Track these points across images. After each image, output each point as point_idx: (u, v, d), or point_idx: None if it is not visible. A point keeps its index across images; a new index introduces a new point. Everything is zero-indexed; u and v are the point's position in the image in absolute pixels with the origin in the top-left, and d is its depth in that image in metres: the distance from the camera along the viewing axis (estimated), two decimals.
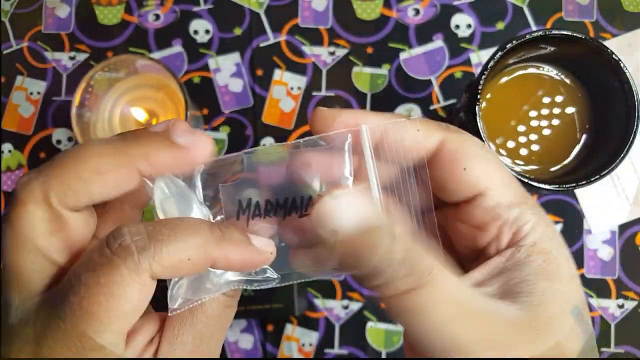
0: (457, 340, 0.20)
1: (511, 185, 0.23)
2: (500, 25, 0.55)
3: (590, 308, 0.52)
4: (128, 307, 0.19)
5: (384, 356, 0.52)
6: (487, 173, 0.22)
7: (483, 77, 0.40)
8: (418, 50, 0.55)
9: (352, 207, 0.21)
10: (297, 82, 0.55)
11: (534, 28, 0.55)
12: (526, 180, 0.39)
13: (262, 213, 0.23)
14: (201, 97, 0.55)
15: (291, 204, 0.23)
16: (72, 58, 0.56)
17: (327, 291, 0.53)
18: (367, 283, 0.21)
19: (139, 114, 0.51)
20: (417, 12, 0.56)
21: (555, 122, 0.44)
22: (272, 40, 0.56)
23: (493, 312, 0.21)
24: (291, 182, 0.23)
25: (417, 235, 0.22)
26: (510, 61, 0.44)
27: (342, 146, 0.23)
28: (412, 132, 0.23)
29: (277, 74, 0.55)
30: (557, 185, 0.39)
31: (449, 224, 0.25)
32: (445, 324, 0.20)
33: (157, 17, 0.56)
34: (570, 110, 0.44)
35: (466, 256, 0.24)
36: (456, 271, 0.22)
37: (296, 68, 0.55)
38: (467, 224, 0.23)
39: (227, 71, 0.56)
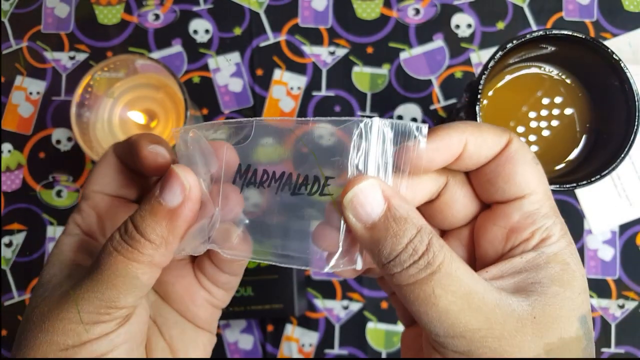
0: (462, 327, 0.21)
1: (551, 198, 0.24)
2: (500, 25, 0.55)
3: (591, 308, 0.52)
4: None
5: (384, 356, 0.52)
6: (535, 179, 0.24)
7: (483, 76, 0.39)
8: (418, 50, 0.55)
9: (380, 196, 0.22)
10: (297, 82, 0.55)
11: (534, 28, 0.55)
12: None
13: (256, 182, 0.24)
14: (201, 97, 0.55)
15: (286, 179, 0.24)
16: (71, 58, 0.56)
17: (327, 291, 0.53)
18: (384, 269, 0.22)
19: (138, 117, 0.51)
20: (417, 11, 0.56)
21: (555, 122, 0.44)
22: (272, 40, 0.56)
23: (501, 304, 0.22)
24: (294, 158, 0.24)
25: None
26: (511, 61, 0.44)
27: (355, 134, 0.23)
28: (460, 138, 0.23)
29: (277, 74, 0.55)
30: (558, 185, 0.39)
31: (478, 226, 0.26)
32: (451, 313, 0.21)
33: (157, 16, 0.56)
34: (570, 110, 0.44)
35: (489, 259, 0.25)
36: (471, 267, 0.23)
37: (296, 68, 0.55)
38: (500, 225, 0.24)
39: (226, 71, 0.56)
